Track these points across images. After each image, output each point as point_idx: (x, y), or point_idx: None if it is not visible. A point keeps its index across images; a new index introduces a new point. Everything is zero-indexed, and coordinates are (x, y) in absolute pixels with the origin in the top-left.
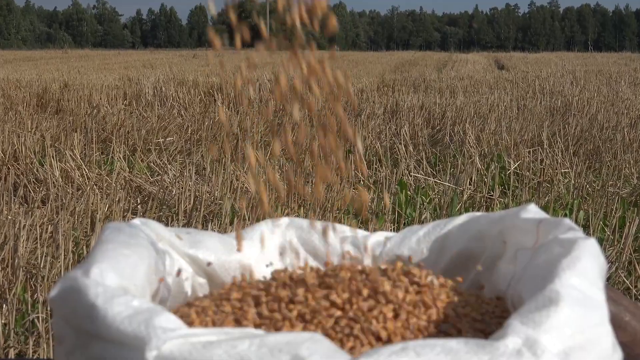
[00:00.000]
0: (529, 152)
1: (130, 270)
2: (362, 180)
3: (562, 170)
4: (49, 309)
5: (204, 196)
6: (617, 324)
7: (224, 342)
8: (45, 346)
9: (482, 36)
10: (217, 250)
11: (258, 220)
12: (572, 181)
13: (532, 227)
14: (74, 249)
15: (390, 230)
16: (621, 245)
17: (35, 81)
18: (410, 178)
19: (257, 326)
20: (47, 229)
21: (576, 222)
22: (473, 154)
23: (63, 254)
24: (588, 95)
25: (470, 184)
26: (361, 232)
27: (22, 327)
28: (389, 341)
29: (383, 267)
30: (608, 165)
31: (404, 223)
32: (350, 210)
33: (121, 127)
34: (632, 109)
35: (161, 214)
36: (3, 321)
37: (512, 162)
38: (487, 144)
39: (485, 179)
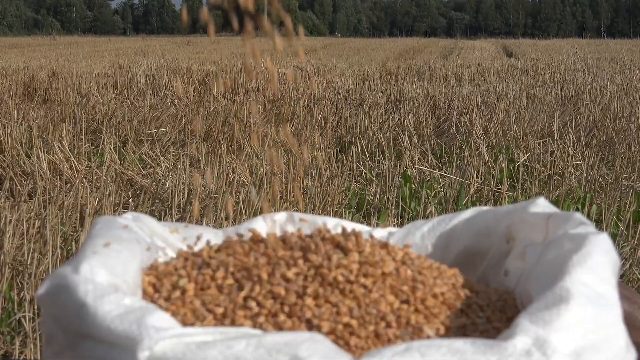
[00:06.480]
0: (539, 143)
1: (121, 267)
2: (365, 174)
3: (574, 163)
4: (36, 307)
5: (198, 189)
6: (631, 323)
7: (220, 342)
8: (32, 346)
9: (490, 22)
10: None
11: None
12: (584, 174)
13: (541, 221)
14: (62, 244)
15: (394, 225)
16: (635, 241)
17: (22, 69)
18: (414, 171)
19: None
20: (34, 224)
21: (588, 216)
22: (480, 146)
23: (51, 250)
24: (601, 83)
25: (477, 177)
26: (364, 227)
27: (8, 326)
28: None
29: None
30: (622, 157)
31: (408, 218)
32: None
33: (112, 117)
34: None
35: (154, 208)
36: None
37: (521, 154)
38: (495, 134)
39: (493, 172)
